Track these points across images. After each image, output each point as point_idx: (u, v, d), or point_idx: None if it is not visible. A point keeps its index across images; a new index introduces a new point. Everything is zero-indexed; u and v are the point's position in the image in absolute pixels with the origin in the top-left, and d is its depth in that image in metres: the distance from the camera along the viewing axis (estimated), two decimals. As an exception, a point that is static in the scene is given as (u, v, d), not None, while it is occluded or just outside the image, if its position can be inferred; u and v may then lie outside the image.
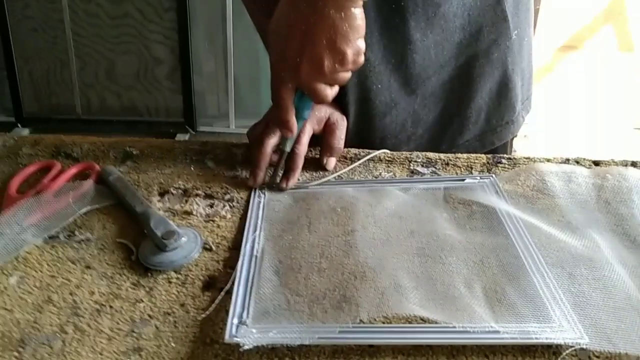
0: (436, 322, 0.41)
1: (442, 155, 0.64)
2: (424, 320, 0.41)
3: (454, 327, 0.40)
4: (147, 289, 0.46)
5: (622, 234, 0.51)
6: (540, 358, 0.39)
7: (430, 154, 0.65)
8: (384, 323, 0.41)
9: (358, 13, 0.47)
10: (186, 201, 0.57)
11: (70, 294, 0.45)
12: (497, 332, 0.40)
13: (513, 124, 0.71)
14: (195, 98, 2.35)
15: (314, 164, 0.63)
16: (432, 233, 0.50)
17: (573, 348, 0.39)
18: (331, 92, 0.52)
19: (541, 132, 2.27)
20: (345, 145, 0.65)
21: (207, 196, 0.58)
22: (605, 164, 0.62)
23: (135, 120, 2.39)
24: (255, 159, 0.60)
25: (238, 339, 0.39)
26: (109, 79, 2.34)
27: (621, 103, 2.31)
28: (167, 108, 2.38)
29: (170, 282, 0.46)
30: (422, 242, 0.49)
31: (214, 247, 0.50)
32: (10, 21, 2.25)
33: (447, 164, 0.63)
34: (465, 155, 0.64)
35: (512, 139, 0.75)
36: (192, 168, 0.63)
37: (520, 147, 2.14)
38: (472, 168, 0.62)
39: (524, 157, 0.64)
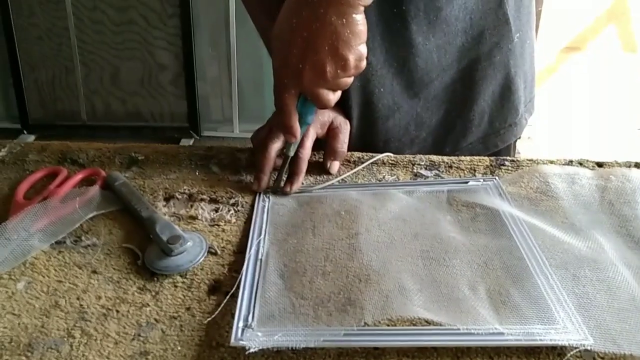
0: (440, 324, 0.41)
1: (445, 158, 0.65)
2: (428, 322, 0.41)
3: (459, 329, 0.40)
4: (153, 293, 0.46)
5: (626, 235, 0.51)
6: None
7: (434, 157, 0.65)
8: (388, 326, 0.41)
9: (359, 19, 0.48)
10: (191, 206, 0.57)
11: (77, 298, 0.45)
12: (502, 334, 0.40)
13: (516, 126, 0.72)
14: (200, 103, 2.36)
15: (318, 168, 0.64)
16: (436, 236, 0.51)
17: (577, 349, 0.39)
18: (334, 97, 0.52)
19: (544, 133, 2.27)
20: (349, 149, 0.66)
21: (212, 201, 0.58)
22: (609, 165, 0.62)
23: (140, 125, 2.40)
24: (259, 164, 0.60)
25: (244, 342, 0.39)
26: (113, 85, 2.35)
27: (625, 104, 2.30)
28: (172, 113, 2.39)
29: (176, 286, 0.47)
30: (426, 245, 0.49)
31: (219, 251, 0.51)
32: (16, 29, 2.27)
33: (451, 167, 0.63)
34: (468, 158, 0.64)
35: (516, 141, 0.75)
36: (197, 173, 0.64)
37: (524, 148, 2.14)
38: (475, 170, 0.63)
39: (527, 159, 0.64)
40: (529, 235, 0.50)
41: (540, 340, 0.39)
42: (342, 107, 0.65)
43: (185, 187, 0.60)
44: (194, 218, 0.55)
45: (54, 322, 0.43)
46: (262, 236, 0.52)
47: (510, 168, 0.62)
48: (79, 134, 2.36)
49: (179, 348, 0.41)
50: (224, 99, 2.38)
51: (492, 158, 0.64)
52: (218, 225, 0.54)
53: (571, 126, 2.30)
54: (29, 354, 0.40)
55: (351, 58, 0.48)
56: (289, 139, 0.56)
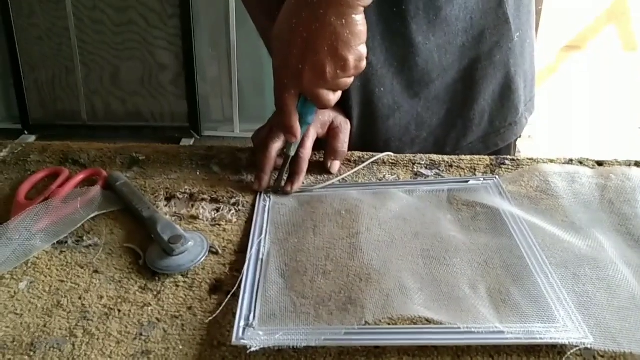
0: (441, 323, 0.41)
1: (445, 157, 0.65)
2: (429, 321, 0.41)
3: (459, 327, 0.40)
4: (155, 293, 0.46)
5: (626, 233, 0.51)
6: (544, 358, 0.39)
7: (434, 156, 0.65)
8: (389, 324, 0.41)
9: (359, 19, 0.48)
10: (192, 206, 0.57)
11: (79, 298, 0.46)
12: (502, 332, 0.40)
13: (516, 125, 0.72)
14: (200, 103, 2.36)
15: (319, 168, 0.64)
16: (437, 235, 0.51)
17: (577, 348, 0.39)
18: (334, 97, 0.53)
19: (545, 132, 2.27)
20: (349, 149, 0.66)
21: (213, 200, 0.58)
22: (609, 164, 0.62)
23: (141, 125, 2.40)
24: (260, 163, 0.60)
25: (245, 341, 0.39)
26: (114, 85, 2.35)
27: (625, 103, 2.30)
28: (172, 113, 2.39)
29: (177, 286, 0.47)
30: (427, 244, 0.50)
31: (220, 251, 0.51)
32: (16, 29, 2.27)
33: (451, 166, 0.63)
34: (468, 157, 0.65)
35: (516, 140, 0.75)
36: (197, 173, 0.64)
37: (524, 147, 2.14)
38: (475, 170, 0.63)
39: (527, 158, 0.64)
40: (529, 234, 0.50)
41: (541, 338, 0.39)
42: (343, 106, 0.65)
43: (186, 187, 0.60)
44: (195, 218, 0.56)
45: (56, 321, 0.43)
46: (263, 236, 0.52)
47: (510, 167, 0.63)
48: (79, 134, 2.37)
49: (181, 347, 0.41)
50: (225, 99, 2.38)
51: (493, 157, 0.65)
52: (219, 225, 0.54)
53: (571, 125, 2.30)
54: (32, 354, 0.40)
55: (351, 58, 0.48)
56: (290, 139, 0.57)
